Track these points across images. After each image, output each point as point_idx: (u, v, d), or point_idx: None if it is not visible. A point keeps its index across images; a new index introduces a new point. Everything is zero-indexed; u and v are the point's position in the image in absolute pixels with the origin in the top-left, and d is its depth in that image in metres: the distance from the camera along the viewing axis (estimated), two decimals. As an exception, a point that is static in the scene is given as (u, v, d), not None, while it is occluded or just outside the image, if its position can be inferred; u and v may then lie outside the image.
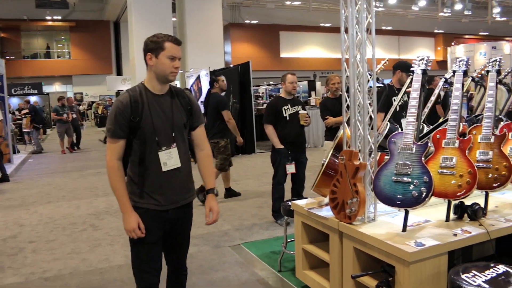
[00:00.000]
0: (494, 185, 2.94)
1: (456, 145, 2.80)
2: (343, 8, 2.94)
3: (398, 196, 2.65)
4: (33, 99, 20.67)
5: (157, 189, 2.42)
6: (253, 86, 12.34)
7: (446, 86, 3.61)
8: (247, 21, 28.60)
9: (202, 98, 13.06)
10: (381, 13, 21.20)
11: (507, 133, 3.11)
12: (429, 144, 2.72)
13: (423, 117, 3.55)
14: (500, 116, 4.15)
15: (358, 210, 2.75)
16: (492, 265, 2.36)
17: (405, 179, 2.64)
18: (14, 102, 21.98)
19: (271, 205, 5.43)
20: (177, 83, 14.63)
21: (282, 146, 5.03)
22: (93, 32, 28.93)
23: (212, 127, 6.44)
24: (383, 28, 27.88)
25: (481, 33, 30.20)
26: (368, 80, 2.90)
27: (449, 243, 2.53)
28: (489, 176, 2.94)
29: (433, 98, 3.57)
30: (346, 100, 2.95)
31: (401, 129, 3.59)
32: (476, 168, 2.73)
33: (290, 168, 5.05)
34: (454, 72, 3.14)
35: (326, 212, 3.09)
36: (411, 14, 22.62)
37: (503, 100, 4.31)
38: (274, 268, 3.98)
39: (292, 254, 3.73)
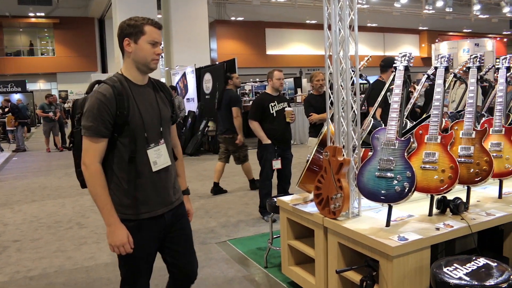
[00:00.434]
0: (475, 179, 2.98)
1: (438, 140, 2.84)
2: (326, 5, 2.95)
3: (382, 191, 2.68)
4: (16, 97, 20.42)
5: (150, 193, 2.19)
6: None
7: (429, 83, 3.65)
8: (232, 18, 28.55)
9: (188, 95, 13.04)
10: (366, 10, 21.33)
11: (487, 129, 3.16)
12: (411, 140, 2.75)
13: (406, 113, 3.59)
14: (482, 112, 4.22)
15: (342, 206, 2.78)
16: (473, 258, 2.41)
17: (388, 174, 2.67)
18: (-3, 100, 21.64)
19: (257, 202, 5.44)
20: (163, 81, 14.56)
21: (269, 141, 5.05)
22: (78, 29, 28.62)
23: (227, 122, 6.53)
24: (368, 25, 28.04)
25: (464, 30, 30.52)
26: (352, 77, 2.92)
27: (431, 237, 2.57)
28: (471, 171, 2.99)
29: (416, 94, 3.61)
30: (330, 97, 2.97)
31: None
32: (458, 163, 2.77)
33: (276, 164, 5.07)
34: (436, 68, 3.18)
35: (311, 208, 3.12)
36: (396, 11, 22.78)
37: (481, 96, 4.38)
38: (260, 265, 4.00)
39: (278, 250, 3.75)
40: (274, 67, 6.59)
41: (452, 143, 3.01)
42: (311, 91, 5.80)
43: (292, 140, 5.83)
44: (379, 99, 3.40)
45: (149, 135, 2.17)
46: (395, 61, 3.02)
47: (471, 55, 3.43)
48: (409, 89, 4.89)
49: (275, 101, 5.17)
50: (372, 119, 3.34)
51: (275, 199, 3.74)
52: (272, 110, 5.13)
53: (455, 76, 4.23)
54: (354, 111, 2.91)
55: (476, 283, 2.15)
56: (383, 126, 2.87)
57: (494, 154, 3.20)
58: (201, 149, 11.66)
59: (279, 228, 3.63)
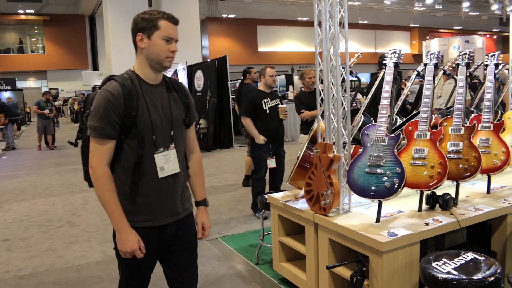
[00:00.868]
0: (464, 175, 3.01)
1: (428, 136, 2.87)
2: (316, 2, 2.96)
3: (372, 188, 2.69)
4: (6, 95, 20.24)
5: (154, 201, 2.03)
6: (231, 81, 12.33)
7: (420, 79, 3.67)
8: (224, 15, 28.48)
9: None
10: (357, 7, 21.38)
11: (476, 125, 3.19)
12: (401, 136, 2.77)
13: (396, 110, 3.62)
14: (471, 109, 4.26)
15: (333, 202, 2.79)
16: (462, 253, 2.43)
17: (378, 170, 2.69)
18: (-13, 98, 21.45)
19: (248, 199, 5.45)
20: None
21: (262, 137, 5.04)
22: (68, 27, 28.40)
23: None
24: (360, 22, 28.11)
25: (455, 27, 30.70)
26: (342, 74, 2.93)
27: (420, 233, 2.59)
28: (460, 166, 3.02)
29: (406, 91, 3.64)
30: (320, 94, 2.98)
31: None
32: (447, 159, 2.79)
33: (271, 163, 5.08)
34: (425, 65, 3.20)
35: (302, 204, 3.13)
36: (387, 8, 22.86)
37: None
38: (251, 261, 4.01)
39: (269, 247, 3.76)
40: (265, 64, 6.60)
41: (441, 139, 3.04)
42: (302, 88, 5.80)
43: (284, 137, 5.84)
44: (369, 95, 3.42)
45: (158, 138, 2.01)
46: (385, 58, 3.04)
47: (460, 52, 3.45)
48: (400, 86, 4.93)
49: (268, 98, 5.17)
50: (362, 116, 3.35)
51: (266, 196, 3.75)
52: (265, 106, 5.13)
53: (444, 72, 4.26)
54: (344, 108, 2.93)
55: (464, 277, 2.17)
56: (374, 123, 2.89)
57: (483, 150, 3.24)
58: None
59: (270, 225, 3.64)
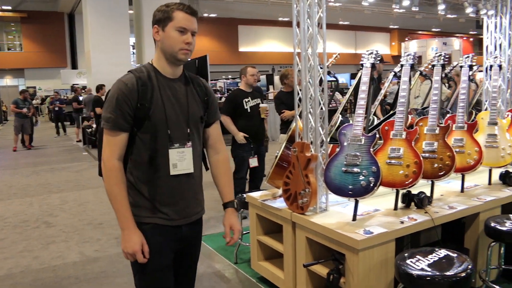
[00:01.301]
0: (439, 174, 3.07)
1: (403, 136, 2.92)
2: (295, 2, 2.98)
3: (348, 186, 2.73)
4: (-18, 93, 19.79)
5: (167, 199, 1.94)
6: (211, 80, 12.30)
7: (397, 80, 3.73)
8: (205, 15, 28.37)
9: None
10: (338, 8, 21.54)
11: (450, 125, 3.26)
12: (377, 136, 2.81)
13: (373, 110, 3.67)
14: (446, 109, 4.35)
15: (310, 201, 2.82)
16: (435, 250, 2.49)
17: (355, 169, 2.72)
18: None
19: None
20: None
21: (241, 133, 5.03)
22: (46, 24, 27.91)
23: None
24: (340, 23, 28.33)
25: (433, 29, 31.18)
26: (320, 74, 2.96)
27: (396, 230, 2.64)
28: (435, 166, 3.08)
29: (382, 91, 3.69)
30: (298, 93, 3.01)
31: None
32: (422, 158, 2.85)
33: (253, 162, 5.09)
34: (402, 66, 3.25)
35: (280, 203, 3.15)
36: (367, 9, 23.10)
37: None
38: (230, 260, 4.01)
39: (248, 246, 3.78)
40: (246, 64, 6.60)
41: (417, 138, 3.10)
42: (282, 88, 5.83)
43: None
44: (347, 96, 3.46)
45: (173, 133, 1.92)
46: (362, 59, 3.08)
47: (436, 54, 3.52)
48: (379, 86, 5.00)
49: (249, 97, 5.18)
50: (340, 115, 3.39)
51: (244, 195, 3.76)
52: (246, 105, 5.13)
53: (421, 73, 4.34)
54: (322, 108, 2.95)
55: (437, 273, 2.23)
56: (351, 123, 2.92)
57: (457, 150, 3.31)
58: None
59: (249, 224, 3.65)
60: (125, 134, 1.87)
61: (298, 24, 2.98)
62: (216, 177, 2.18)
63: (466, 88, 3.61)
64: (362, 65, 3.06)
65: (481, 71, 4.60)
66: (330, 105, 6.02)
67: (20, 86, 28.14)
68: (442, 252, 2.45)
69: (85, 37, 15.49)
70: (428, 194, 3.08)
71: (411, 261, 2.36)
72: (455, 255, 2.42)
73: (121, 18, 13.95)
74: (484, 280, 3.10)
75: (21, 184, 8.11)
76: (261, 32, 30.00)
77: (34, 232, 5.16)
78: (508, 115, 3.95)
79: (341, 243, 2.59)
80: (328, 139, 3.15)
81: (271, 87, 15.69)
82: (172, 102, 1.93)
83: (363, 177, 2.69)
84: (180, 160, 1.94)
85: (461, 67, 3.76)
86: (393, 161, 2.86)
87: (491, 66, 4.07)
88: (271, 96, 13.67)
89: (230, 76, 20.84)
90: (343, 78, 17.90)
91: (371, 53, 3.11)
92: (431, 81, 3.84)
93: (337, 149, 2.93)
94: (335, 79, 3.73)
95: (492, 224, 2.93)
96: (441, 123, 3.27)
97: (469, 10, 4.54)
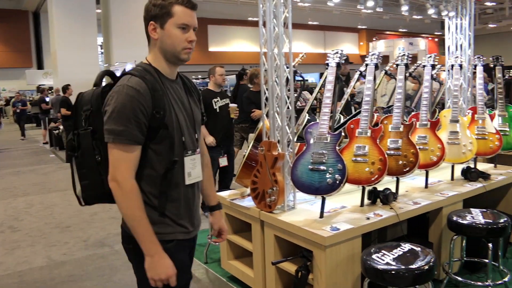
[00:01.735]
0: (403, 170, 3.14)
1: (368, 134, 2.97)
2: (261, 2, 3.00)
3: (315, 184, 2.77)
4: None
5: (184, 211, 1.79)
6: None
7: (362, 79, 3.80)
8: (175, 14, 28.12)
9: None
10: (307, 8, 21.71)
11: (414, 123, 3.34)
12: (342, 134, 2.86)
13: (339, 108, 3.73)
14: (411, 107, 4.45)
15: (278, 199, 2.84)
16: (400, 244, 2.55)
17: (321, 167, 2.76)
18: None
19: (198, 199, 5.42)
20: (102, 77, 14.09)
21: (212, 138, 5.02)
22: (10, 22, 27.12)
23: (243, 114, 6.33)
24: (309, 23, 28.55)
25: (400, 30, 31.79)
26: (286, 73, 2.99)
27: (362, 227, 2.69)
28: (399, 162, 3.15)
29: (348, 90, 3.75)
30: (265, 93, 3.03)
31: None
32: (386, 155, 2.91)
33: (223, 161, 5.09)
34: (367, 65, 3.31)
35: (248, 202, 3.16)
36: (336, 10, 23.37)
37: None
38: (200, 260, 4.01)
39: (218, 245, 3.78)
40: (216, 64, 6.59)
41: (382, 136, 3.17)
42: (251, 88, 5.85)
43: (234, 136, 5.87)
44: (314, 95, 3.50)
45: (186, 139, 1.77)
46: (327, 58, 3.12)
47: (399, 53, 3.60)
48: (346, 86, 5.07)
49: (218, 97, 5.18)
50: (307, 114, 3.43)
51: (214, 195, 3.75)
52: (215, 105, 5.13)
53: (386, 73, 4.43)
54: (288, 107, 2.98)
55: (402, 266, 2.29)
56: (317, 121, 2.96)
57: (420, 147, 3.40)
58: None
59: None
60: (139, 148, 1.65)
61: (264, 24, 3.00)
62: (202, 180, 1.99)
63: (429, 87, 3.70)
64: (327, 64, 3.10)
65: (444, 70, 4.73)
66: (300, 104, 6.09)
67: (-18, 87, 27.27)
68: (407, 246, 2.52)
69: (51, 36, 15.16)
70: (394, 190, 3.15)
71: (376, 256, 2.41)
72: (419, 249, 2.49)
73: (88, 17, 13.72)
74: (447, 272, 3.19)
75: (-15, 188, 7.87)
76: (231, 32, 29.96)
77: (-2, 237, 5.03)
78: (469, 113, 4.08)
79: (309, 240, 2.62)
80: (296, 138, 3.19)
81: (241, 87, 15.68)
82: (179, 106, 1.77)
83: (329, 175, 2.73)
84: (193, 168, 1.80)
85: (423, 66, 3.86)
86: (358, 158, 2.92)
87: (452, 66, 4.19)
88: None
89: (200, 76, 20.74)
90: (312, 78, 18.05)
91: (337, 52, 3.16)
92: (396, 80, 3.94)
93: (304, 148, 2.97)
94: (301, 79, 3.76)
95: (454, 218, 3.02)
96: (406, 121, 3.35)
97: (431, 11, 4.66)
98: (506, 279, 3.12)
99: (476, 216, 3.05)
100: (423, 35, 26.55)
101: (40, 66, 28.11)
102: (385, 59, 12.32)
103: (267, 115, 3.03)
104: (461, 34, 4.53)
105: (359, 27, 32.37)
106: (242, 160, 3.34)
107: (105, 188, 1.68)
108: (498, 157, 4.18)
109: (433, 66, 3.84)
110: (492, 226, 2.92)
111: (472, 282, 3.21)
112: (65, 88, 11.48)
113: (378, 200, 3.08)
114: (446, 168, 3.83)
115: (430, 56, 3.85)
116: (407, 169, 3.12)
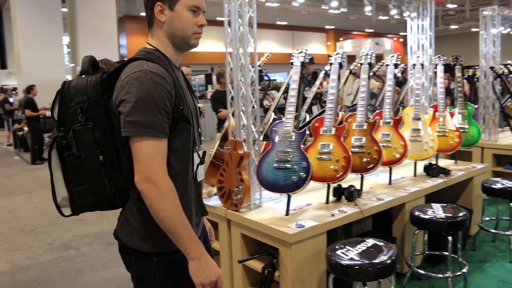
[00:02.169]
0: (367, 167, 3.21)
1: (333, 132, 3.03)
2: (226, 2, 3.01)
3: (280, 182, 2.79)
4: None
5: (195, 210, 1.65)
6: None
7: (327, 78, 3.86)
8: (143, 14, 27.81)
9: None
10: (276, 8, 21.82)
11: (378, 121, 3.41)
12: (307, 132, 2.89)
13: (305, 107, 3.77)
14: (375, 106, 4.54)
15: (244, 198, 2.86)
16: (364, 240, 2.61)
17: (286, 165, 2.79)
18: None
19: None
20: (68, 78, 13.83)
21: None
22: (-30, 22, 26.26)
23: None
24: (278, 23, 28.70)
25: (367, 30, 32.30)
26: (251, 73, 3.01)
27: (326, 223, 2.74)
28: (363, 160, 3.21)
29: (314, 88, 3.80)
30: (231, 92, 3.04)
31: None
32: (350, 153, 2.97)
33: None
34: (331, 64, 3.37)
35: (215, 201, 3.16)
36: (304, 10, 23.59)
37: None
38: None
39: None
40: (185, 63, 6.54)
41: (346, 134, 3.23)
42: (218, 87, 5.85)
43: (202, 137, 5.85)
44: (279, 94, 3.53)
45: (197, 133, 1.63)
46: (292, 57, 3.16)
47: (363, 53, 3.67)
48: (310, 85, 5.13)
49: (184, 98, 5.15)
50: (273, 114, 3.46)
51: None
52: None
53: (351, 72, 4.51)
54: (253, 106, 3.00)
55: (365, 261, 2.34)
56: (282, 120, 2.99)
57: (384, 144, 3.48)
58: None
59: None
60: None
61: (230, 24, 3.02)
62: None
63: (392, 85, 3.79)
64: (292, 63, 3.14)
65: (405, 69, 4.84)
66: (268, 104, 6.11)
67: None
68: (371, 242, 2.58)
69: (14, 35, 14.70)
70: (358, 187, 3.22)
71: (341, 252, 2.46)
72: (382, 243, 2.55)
73: (53, 16, 13.38)
74: (410, 265, 3.28)
75: None
76: (200, 32, 29.84)
77: (-42, 242, 4.87)
78: (430, 111, 4.20)
79: (274, 238, 2.65)
80: (262, 137, 3.21)
81: (209, 86, 15.69)
82: (189, 96, 1.62)
83: (294, 173, 2.77)
84: (200, 163, 1.67)
85: (387, 65, 3.95)
86: (323, 156, 2.96)
87: (414, 65, 4.30)
88: (210, 95, 13.66)
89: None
90: (281, 77, 18.15)
91: (301, 52, 3.21)
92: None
93: (270, 146, 2.99)
94: (267, 78, 3.79)
95: (416, 213, 3.11)
96: (370, 119, 3.42)
97: (393, 12, 4.77)
98: (464, 270, 3.23)
99: (437, 210, 3.15)
100: (389, 36, 27.10)
101: (3, 66, 27.27)
102: (352, 58, 12.52)
103: (232, 114, 3.04)
104: (423, 34, 4.65)
105: (327, 27, 32.74)
106: (208, 159, 3.34)
107: (107, 193, 1.51)
108: (458, 153, 4.32)
109: (395, 65, 3.93)
110: (451, 220, 3.02)
111: (433, 275, 3.32)
112: (30, 88, 11.16)
113: (343, 197, 3.14)
114: (409, 165, 3.94)
115: (393, 56, 3.94)
116: (371, 166, 3.19)
